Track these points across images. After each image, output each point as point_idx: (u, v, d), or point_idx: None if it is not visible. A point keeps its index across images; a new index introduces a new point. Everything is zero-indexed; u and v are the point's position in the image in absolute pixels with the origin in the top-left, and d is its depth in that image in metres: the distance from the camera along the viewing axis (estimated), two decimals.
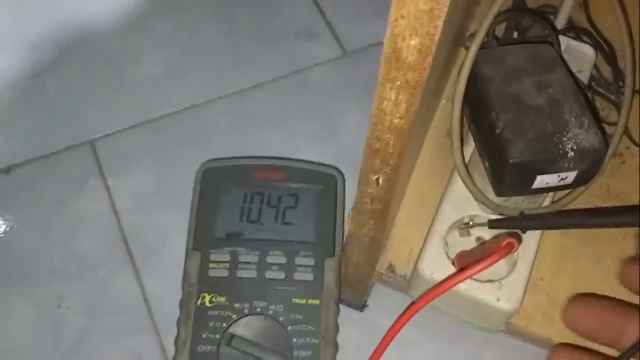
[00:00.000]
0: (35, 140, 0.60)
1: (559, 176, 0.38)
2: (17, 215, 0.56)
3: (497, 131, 0.38)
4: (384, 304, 0.52)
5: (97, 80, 0.63)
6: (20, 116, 0.61)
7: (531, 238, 0.44)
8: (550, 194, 0.45)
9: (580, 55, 0.51)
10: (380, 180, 0.35)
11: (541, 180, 0.38)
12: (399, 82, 0.27)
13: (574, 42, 0.51)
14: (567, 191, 0.44)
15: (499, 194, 0.40)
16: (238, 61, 0.64)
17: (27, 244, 0.55)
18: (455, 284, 0.37)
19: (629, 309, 0.34)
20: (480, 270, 0.36)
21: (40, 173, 0.58)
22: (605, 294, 0.43)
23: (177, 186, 0.57)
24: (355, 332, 0.51)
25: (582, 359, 0.29)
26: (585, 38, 0.54)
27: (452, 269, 0.43)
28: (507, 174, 0.38)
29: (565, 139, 0.37)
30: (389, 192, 0.36)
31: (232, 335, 0.45)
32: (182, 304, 0.47)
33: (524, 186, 0.39)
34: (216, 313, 0.46)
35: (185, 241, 0.50)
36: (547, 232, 0.46)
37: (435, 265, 0.44)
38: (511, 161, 0.37)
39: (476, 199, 0.43)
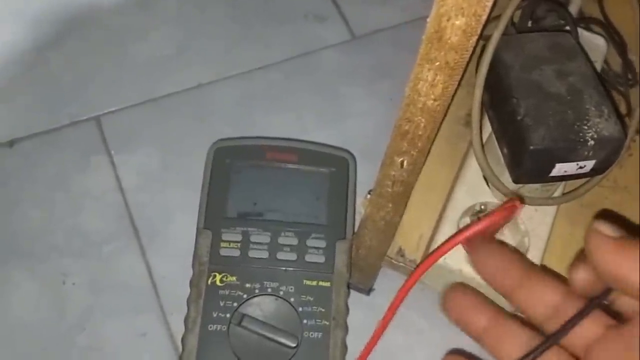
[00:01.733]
0: (40, 114, 0.59)
1: (577, 164, 0.38)
2: (21, 190, 0.55)
3: (519, 117, 0.38)
4: (390, 288, 0.52)
5: (102, 56, 0.62)
6: (24, 90, 0.60)
7: (542, 226, 0.44)
8: (562, 183, 0.45)
9: (593, 47, 0.51)
10: (405, 163, 0.35)
11: (560, 168, 0.38)
12: (438, 63, 0.27)
13: (586, 33, 0.52)
14: (580, 182, 0.44)
15: (516, 180, 0.40)
16: (245, 41, 0.64)
17: (30, 219, 0.54)
18: (454, 245, 0.32)
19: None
20: (480, 229, 0.32)
21: (44, 148, 0.57)
22: None
23: (182, 165, 0.57)
24: (362, 316, 0.51)
25: (477, 300, 0.28)
26: (595, 29, 0.54)
27: (463, 255, 0.44)
28: (526, 160, 0.38)
29: (586, 127, 0.38)
30: (413, 175, 0.36)
31: (243, 315, 0.45)
32: (193, 283, 0.46)
33: (542, 173, 0.39)
34: (227, 292, 0.46)
35: (191, 220, 0.50)
36: (556, 221, 0.46)
37: None
38: (532, 147, 0.37)
39: (492, 185, 0.43)
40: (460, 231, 0.32)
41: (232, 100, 0.61)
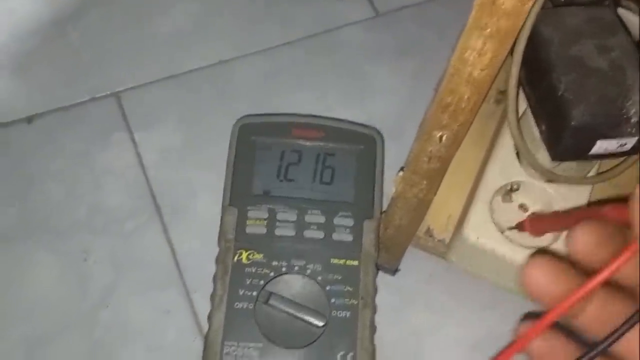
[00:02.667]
0: (58, 89, 0.58)
1: (618, 142, 0.37)
2: (41, 167, 0.54)
3: (559, 93, 0.37)
4: (415, 269, 0.52)
5: (122, 31, 0.61)
6: (41, 64, 0.59)
7: (579, 200, 0.43)
8: (597, 163, 0.44)
9: (627, 23, 0.50)
10: (444, 138, 0.34)
11: (600, 146, 0.37)
12: (489, 30, 0.26)
13: (621, 10, 0.50)
14: (615, 161, 0.43)
15: (555, 158, 0.39)
16: (268, 17, 0.63)
17: (51, 196, 0.53)
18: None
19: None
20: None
21: (63, 124, 0.56)
22: None
23: (204, 142, 0.56)
24: (388, 296, 0.50)
25: (559, 271, 0.27)
26: (626, 3, 0.53)
27: (497, 234, 0.43)
28: (566, 136, 0.37)
29: (629, 103, 0.36)
30: (451, 150, 0.35)
31: (270, 293, 0.44)
32: (219, 260, 0.46)
33: (582, 151, 0.38)
34: (253, 270, 0.45)
35: (213, 198, 0.49)
36: (590, 202, 0.45)
37: (481, 230, 0.43)
38: (573, 123, 0.36)
39: (526, 163, 0.42)
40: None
41: (254, 77, 0.60)
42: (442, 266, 0.51)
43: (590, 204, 0.45)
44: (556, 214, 0.43)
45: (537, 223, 0.41)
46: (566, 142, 0.37)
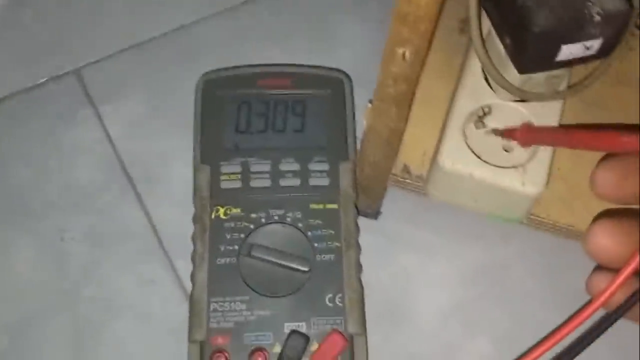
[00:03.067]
0: (17, 72, 0.56)
1: (584, 45, 0.37)
2: (8, 150, 0.53)
3: (519, 3, 0.36)
4: (397, 210, 0.51)
5: (77, 5, 0.59)
6: None
7: (552, 117, 0.43)
8: (567, 77, 0.44)
9: None
10: (407, 54, 0.33)
11: (566, 51, 0.37)
12: None
13: None
14: (584, 74, 0.43)
15: (521, 70, 0.39)
16: None
17: (22, 178, 0.52)
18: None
19: None
20: None
21: (26, 106, 0.55)
22: None
23: (172, 109, 0.55)
24: (372, 239, 0.50)
25: (623, 230, 0.27)
26: None
27: (473, 158, 0.42)
28: (531, 45, 0.36)
29: (590, 3, 0.36)
30: (415, 69, 0.34)
31: (252, 245, 0.43)
32: (196, 219, 0.45)
33: (547, 58, 0.37)
34: (232, 225, 0.44)
35: (186, 163, 0.49)
36: (562, 121, 0.45)
37: (456, 156, 0.42)
38: (536, 30, 0.36)
39: (495, 84, 0.41)
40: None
41: (217, 39, 0.58)
42: (423, 206, 0.51)
43: (561, 125, 0.44)
44: (554, 129, 0.43)
45: (531, 133, 0.40)
46: (531, 50, 0.37)
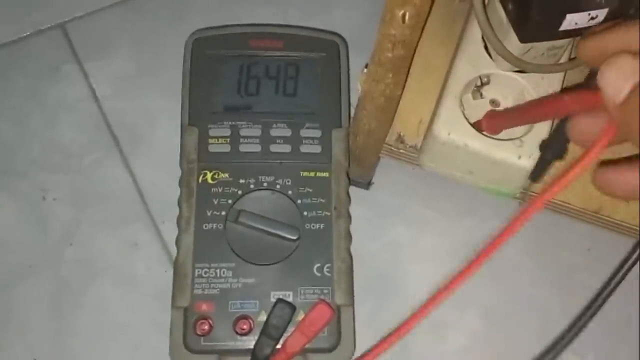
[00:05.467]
0: (0, 25, 0.54)
1: (589, 14, 0.35)
2: None
3: None
4: (390, 181, 0.50)
5: None
6: None
7: (552, 90, 0.42)
8: (569, 49, 0.42)
9: None
10: (407, 16, 0.31)
11: (570, 20, 0.35)
12: None
13: None
14: None
15: (523, 38, 0.37)
16: None
17: (3, 135, 0.50)
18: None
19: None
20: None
21: (9, 61, 0.53)
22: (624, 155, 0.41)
23: (159, 68, 0.53)
24: (363, 210, 0.49)
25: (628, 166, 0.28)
26: None
27: (469, 129, 0.41)
28: (535, 12, 0.35)
29: None
30: (415, 33, 0.33)
31: (239, 211, 0.42)
32: (182, 182, 0.44)
33: (551, 27, 0.36)
34: (220, 190, 0.43)
35: (174, 124, 0.47)
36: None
37: (452, 125, 0.41)
38: None
39: (496, 52, 0.40)
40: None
41: None
42: (416, 178, 0.50)
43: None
44: (510, 110, 0.42)
45: (493, 120, 0.39)
46: (535, 18, 0.35)
